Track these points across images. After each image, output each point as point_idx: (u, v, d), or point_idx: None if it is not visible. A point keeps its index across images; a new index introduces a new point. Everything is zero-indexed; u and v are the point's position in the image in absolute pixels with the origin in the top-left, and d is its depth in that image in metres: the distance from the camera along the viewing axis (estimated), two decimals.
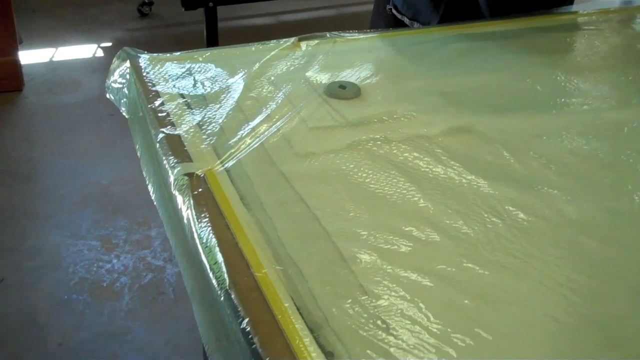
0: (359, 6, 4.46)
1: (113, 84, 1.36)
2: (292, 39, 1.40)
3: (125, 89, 1.31)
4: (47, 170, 2.75)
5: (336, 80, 1.22)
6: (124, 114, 1.32)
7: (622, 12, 1.66)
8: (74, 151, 2.87)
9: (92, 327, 2.03)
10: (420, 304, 0.78)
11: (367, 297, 0.79)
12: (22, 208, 2.52)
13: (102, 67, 3.65)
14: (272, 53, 1.33)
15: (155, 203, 1.11)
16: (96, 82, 3.50)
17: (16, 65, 3.29)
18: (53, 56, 3.73)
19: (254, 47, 1.38)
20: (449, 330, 0.75)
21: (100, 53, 3.83)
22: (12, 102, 3.24)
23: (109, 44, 3.92)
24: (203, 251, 0.87)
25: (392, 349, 0.72)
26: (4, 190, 2.62)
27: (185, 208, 0.94)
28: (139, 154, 1.21)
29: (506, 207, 0.94)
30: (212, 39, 3.28)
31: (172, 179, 1.00)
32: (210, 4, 3.22)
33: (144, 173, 1.17)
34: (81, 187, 2.63)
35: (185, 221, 0.93)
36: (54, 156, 2.85)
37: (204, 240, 0.88)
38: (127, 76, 1.30)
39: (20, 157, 2.83)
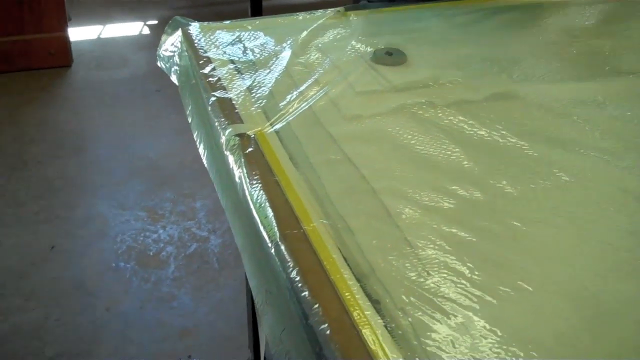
0: None
1: (164, 52, 1.40)
2: (339, 9, 1.42)
3: (177, 56, 1.35)
4: (97, 143, 2.82)
5: (383, 47, 1.24)
6: (174, 81, 1.36)
7: None
8: (122, 125, 2.94)
9: (139, 293, 2.09)
10: (464, 258, 0.80)
11: (411, 249, 0.81)
12: (72, 179, 2.60)
13: (148, 44, 3.71)
14: (319, 22, 1.36)
15: (206, 165, 1.14)
16: (143, 58, 3.56)
17: (66, 41, 3.37)
18: (100, 33, 3.80)
19: (301, 17, 1.41)
20: (491, 282, 0.77)
21: (146, 30, 3.89)
22: (62, 77, 3.32)
23: (155, 22, 3.98)
24: (254, 207, 0.90)
25: (436, 299, 0.74)
26: (56, 161, 2.70)
27: (237, 167, 0.97)
28: (189, 119, 1.24)
29: (550, 169, 0.96)
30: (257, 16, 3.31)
31: (223, 139, 1.03)
32: None
33: (194, 137, 1.20)
34: (129, 160, 2.69)
35: (237, 179, 0.96)
36: (102, 129, 2.91)
37: (255, 197, 0.91)
38: (179, 44, 1.34)
39: (70, 130, 2.91)
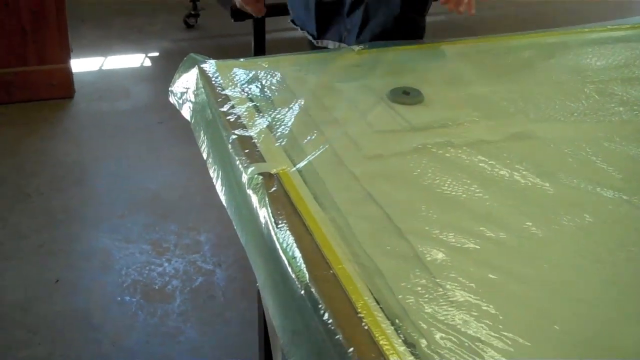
0: None
1: (176, 89, 1.41)
2: (353, 47, 1.44)
3: (191, 93, 1.36)
4: (99, 175, 2.82)
5: (399, 86, 1.25)
6: (185, 116, 1.36)
7: None
8: (124, 157, 2.93)
9: (145, 327, 2.08)
10: (495, 300, 0.81)
11: (443, 291, 0.81)
12: (75, 211, 2.59)
13: (149, 76, 3.72)
14: (335, 60, 1.37)
15: (224, 202, 1.14)
16: (144, 90, 3.56)
17: (68, 73, 3.37)
18: (102, 65, 3.81)
19: (316, 55, 1.42)
20: (523, 324, 0.78)
21: (147, 62, 3.90)
22: (64, 108, 3.32)
23: (156, 54, 3.99)
24: (281, 247, 0.90)
25: (471, 342, 0.75)
26: (58, 193, 2.69)
27: (261, 206, 0.98)
28: (205, 155, 1.24)
29: (573, 209, 0.96)
30: (260, 50, 3.33)
31: (245, 178, 1.03)
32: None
33: (211, 173, 1.20)
34: (132, 192, 2.69)
35: (261, 219, 0.97)
36: (104, 161, 2.91)
37: (282, 238, 0.91)
38: (195, 81, 1.34)
39: (72, 161, 2.90)
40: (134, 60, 3.94)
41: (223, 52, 3.95)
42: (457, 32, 4.59)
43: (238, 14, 3.39)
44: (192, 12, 4.35)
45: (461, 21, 4.64)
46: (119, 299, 2.19)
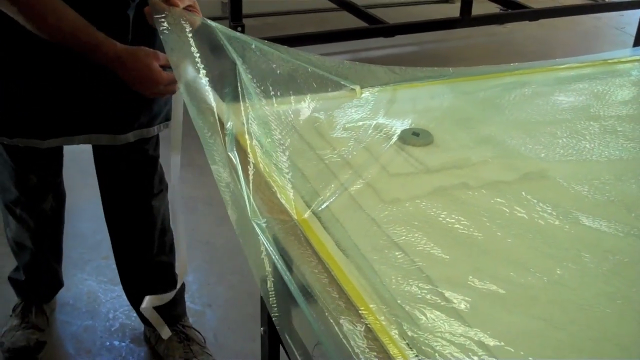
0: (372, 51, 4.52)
1: None
2: (353, 87, 1.43)
3: None
4: (82, 216, 2.77)
5: (408, 127, 1.25)
6: None
7: None
8: None
9: None
10: (528, 345, 0.80)
11: (477, 339, 0.80)
12: None
13: None
14: (338, 100, 1.36)
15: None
16: None
17: None
18: None
19: (317, 97, 1.41)
20: None
21: None
22: None
23: None
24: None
25: None
26: None
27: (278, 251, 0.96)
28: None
29: (595, 250, 0.96)
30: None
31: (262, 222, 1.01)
32: None
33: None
34: None
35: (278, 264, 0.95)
36: (86, 202, 2.86)
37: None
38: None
39: None
40: None
41: None
42: (429, 62, 4.64)
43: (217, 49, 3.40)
44: None
45: (433, 51, 4.70)
46: (108, 343, 2.14)
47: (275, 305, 1.03)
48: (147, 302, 1.69)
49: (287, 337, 1.05)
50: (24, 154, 1.69)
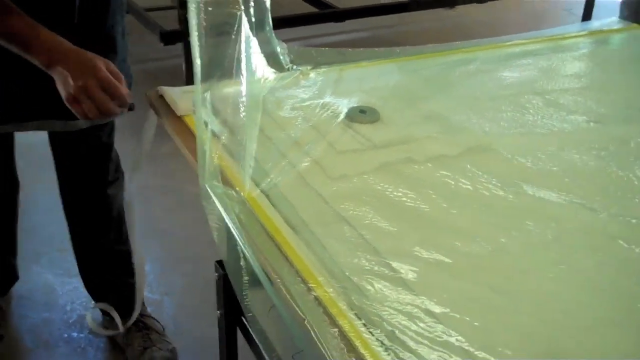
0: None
1: None
2: (302, 68, 1.43)
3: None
4: (36, 209, 2.73)
5: (355, 105, 1.26)
6: None
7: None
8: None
9: None
10: (474, 312, 0.82)
11: (424, 306, 0.82)
12: None
13: None
14: (286, 81, 1.37)
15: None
16: None
17: None
18: None
19: (266, 76, 1.41)
20: (503, 334, 0.79)
21: None
22: None
23: None
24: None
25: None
26: None
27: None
28: None
29: (538, 218, 0.99)
30: (192, 73, 3.30)
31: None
32: (189, 39, 3.25)
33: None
34: None
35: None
36: (40, 195, 2.82)
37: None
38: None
39: None
40: None
41: (153, 77, 3.90)
42: (381, 46, 4.66)
43: (168, 37, 3.37)
44: None
45: (385, 36, 4.72)
46: (66, 335, 2.13)
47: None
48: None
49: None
50: None
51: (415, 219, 0.98)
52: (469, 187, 1.05)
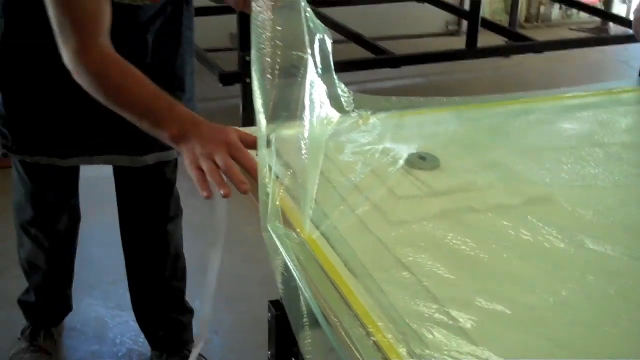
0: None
1: None
2: (362, 112, 1.45)
3: None
4: (91, 241, 2.78)
5: (414, 152, 1.27)
6: None
7: None
8: (115, 222, 2.91)
9: None
10: None
11: (485, 358, 0.81)
12: None
13: None
14: (347, 125, 1.38)
15: None
16: None
17: None
18: None
19: (324, 121, 1.43)
20: None
21: None
22: None
23: None
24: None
25: None
26: None
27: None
28: None
29: (600, 273, 0.98)
30: (249, 114, 3.35)
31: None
32: (248, 80, 3.30)
33: None
34: (122, 258, 2.66)
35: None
36: (97, 227, 2.88)
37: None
38: None
39: None
40: None
41: (209, 117, 3.97)
42: (435, 93, 4.64)
43: (227, 78, 3.43)
44: None
45: (439, 83, 4.74)
46: None
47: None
48: None
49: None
50: (43, 172, 1.72)
51: (475, 267, 0.98)
52: (530, 238, 1.05)
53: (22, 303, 2.12)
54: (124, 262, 2.09)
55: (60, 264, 2.03)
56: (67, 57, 1.26)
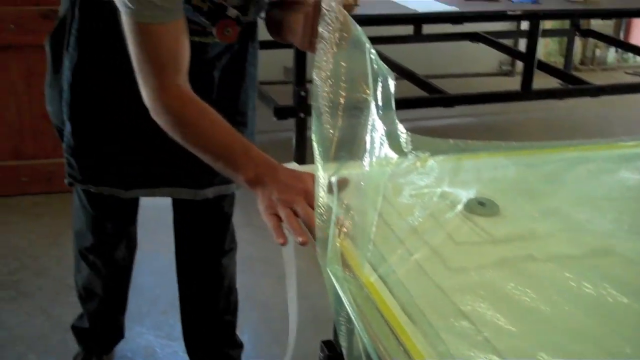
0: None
1: None
2: (421, 154, 1.45)
3: None
4: (143, 269, 2.82)
5: (473, 197, 1.27)
6: None
7: None
8: (168, 251, 2.94)
9: None
10: None
11: None
12: None
13: None
14: (404, 166, 1.38)
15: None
16: None
17: None
18: None
19: (383, 162, 1.44)
20: None
21: None
22: None
23: None
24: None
25: None
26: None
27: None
28: None
29: None
30: (301, 148, 3.38)
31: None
32: (302, 115, 3.34)
33: None
34: (175, 288, 2.69)
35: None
36: (149, 256, 2.92)
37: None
38: None
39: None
40: None
41: (262, 150, 4.00)
42: (488, 134, 4.65)
43: (282, 112, 3.47)
44: None
45: (492, 123, 4.72)
46: None
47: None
48: None
49: None
50: (104, 202, 1.75)
51: (536, 319, 0.97)
52: (592, 291, 1.03)
53: (75, 329, 2.15)
54: (175, 292, 2.11)
55: (116, 291, 2.06)
56: (146, 95, 1.28)
